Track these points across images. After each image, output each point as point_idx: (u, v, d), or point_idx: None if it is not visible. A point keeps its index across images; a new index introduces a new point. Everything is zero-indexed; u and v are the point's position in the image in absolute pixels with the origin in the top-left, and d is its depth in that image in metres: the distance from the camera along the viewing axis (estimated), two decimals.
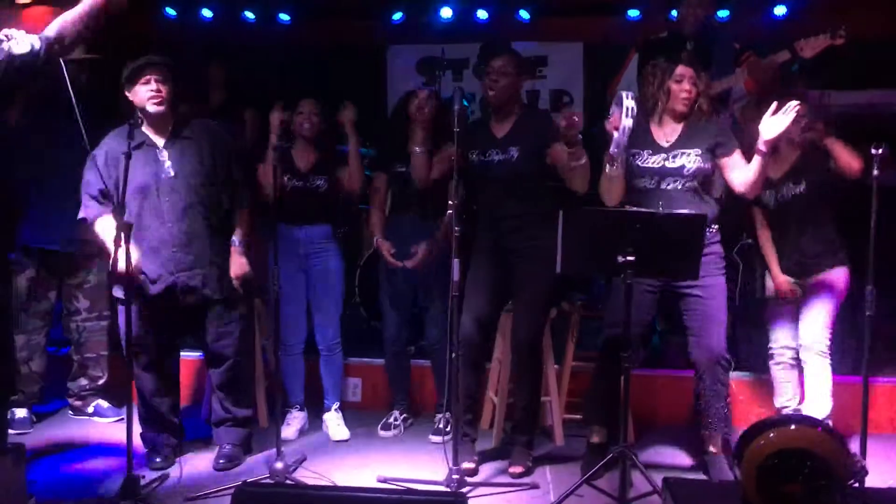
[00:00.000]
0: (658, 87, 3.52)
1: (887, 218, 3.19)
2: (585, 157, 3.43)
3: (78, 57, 3.91)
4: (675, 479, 2.40)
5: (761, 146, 3.34)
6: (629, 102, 3.21)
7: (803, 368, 3.88)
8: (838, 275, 3.82)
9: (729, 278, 3.67)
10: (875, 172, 3.10)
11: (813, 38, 3.75)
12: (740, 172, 3.47)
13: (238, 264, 3.67)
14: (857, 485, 2.16)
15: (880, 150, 3.11)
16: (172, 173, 3.52)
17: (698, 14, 4.34)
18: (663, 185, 3.49)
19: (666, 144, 3.53)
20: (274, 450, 3.51)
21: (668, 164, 3.49)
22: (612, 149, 3.36)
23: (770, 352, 4.01)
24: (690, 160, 3.47)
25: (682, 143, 3.51)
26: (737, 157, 3.50)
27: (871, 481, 2.83)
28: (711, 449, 3.56)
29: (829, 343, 3.79)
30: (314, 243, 4.11)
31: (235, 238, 3.69)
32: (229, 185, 3.68)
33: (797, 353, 3.92)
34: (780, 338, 3.97)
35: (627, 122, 3.22)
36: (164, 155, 3.54)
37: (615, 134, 3.30)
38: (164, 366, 3.72)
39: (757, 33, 5.36)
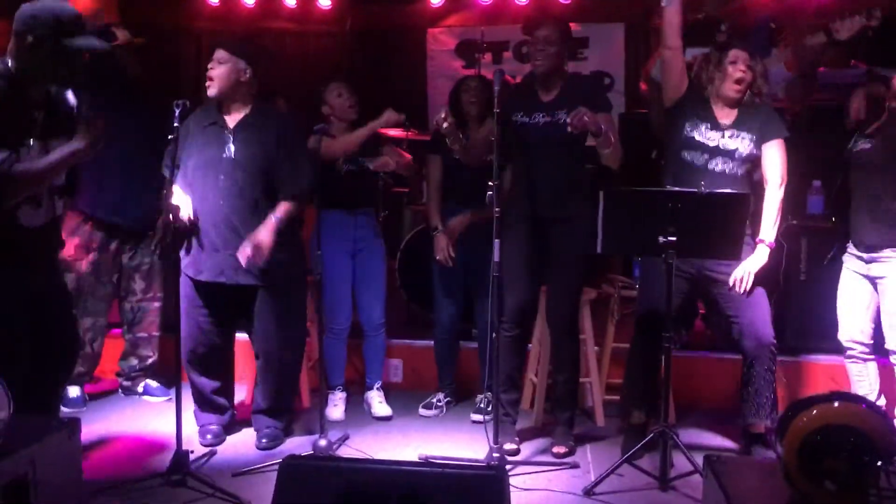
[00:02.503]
0: (714, 69, 3.50)
1: None
2: (612, 144, 3.43)
3: (124, 41, 3.99)
4: (718, 457, 2.41)
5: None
6: None
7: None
8: None
9: (774, 261, 3.62)
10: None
11: (849, 20, 3.70)
12: (767, 181, 3.48)
13: (259, 238, 3.47)
14: None
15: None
16: (233, 155, 3.57)
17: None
18: (711, 165, 3.48)
19: (725, 122, 3.51)
20: (318, 429, 3.57)
21: (723, 145, 3.47)
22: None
23: (842, 343, 3.78)
24: (745, 144, 3.46)
25: (738, 124, 3.49)
26: (775, 147, 3.47)
27: None
28: (756, 433, 3.54)
29: None
30: (362, 227, 4.16)
31: (274, 215, 3.58)
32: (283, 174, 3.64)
33: (868, 348, 3.70)
34: (849, 330, 3.73)
35: None
36: (231, 137, 3.59)
37: None
38: (216, 345, 3.75)
39: (793, 13, 5.29)
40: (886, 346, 3.60)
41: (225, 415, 3.87)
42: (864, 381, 3.71)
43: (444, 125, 3.58)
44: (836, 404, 2.07)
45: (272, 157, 3.59)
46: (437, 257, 4.10)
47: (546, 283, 3.75)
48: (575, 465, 3.57)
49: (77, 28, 2.79)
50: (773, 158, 3.49)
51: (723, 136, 3.48)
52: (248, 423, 3.90)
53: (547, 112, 3.59)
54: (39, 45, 2.73)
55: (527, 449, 3.77)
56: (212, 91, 3.58)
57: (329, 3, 6.50)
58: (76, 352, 3.27)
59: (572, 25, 6.25)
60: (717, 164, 3.48)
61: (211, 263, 3.59)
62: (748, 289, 3.44)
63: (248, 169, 3.56)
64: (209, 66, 3.60)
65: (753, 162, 3.52)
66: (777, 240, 3.98)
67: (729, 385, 4.07)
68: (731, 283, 3.44)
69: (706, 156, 3.48)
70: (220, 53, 3.58)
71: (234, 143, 3.58)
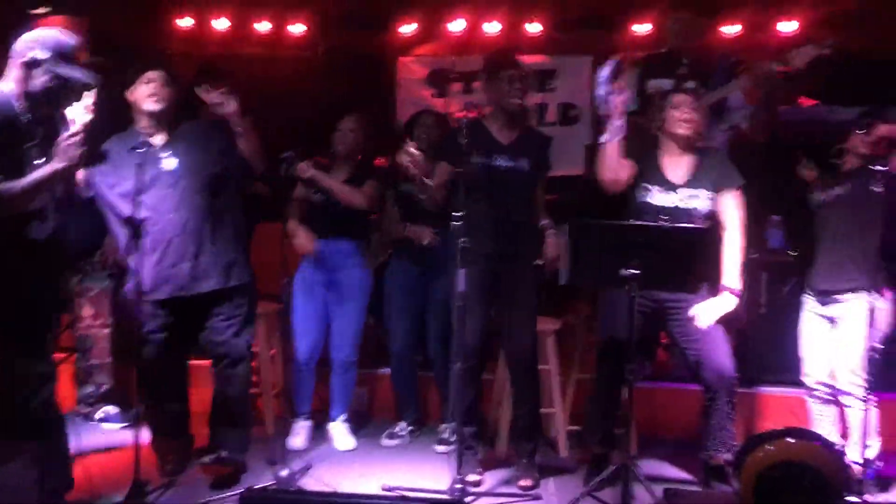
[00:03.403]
0: (659, 116, 3.57)
1: None
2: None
3: (91, 62, 3.97)
4: (676, 490, 2.43)
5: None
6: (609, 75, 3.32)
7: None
8: (869, 301, 3.44)
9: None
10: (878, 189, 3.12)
11: (802, 48, 3.81)
12: (724, 228, 3.53)
13: None
14: (853, 498, 2.18)
15: (885, 168, 3.13)
16: (173, 169, 3.54)
17: (685, 30, 4.40)
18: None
19: (678, 181, 3.54)
20: (279, 458, 3.53)
21: (681, 205, 3.52)
22: (608, 137, 3.42)
23: (804, 382, 3.78)
24: (702, 203, 3.51)
25: (695, 179, 3.53)
26: (731, 197, 3.53)
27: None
28: (716, 465, 3.53)
29: (866, 378, 3.43)
30: (338, 257, 4.14)
31: None
32: (229, 179, 3.66)
33: (831, 389, 3.68)
34: (813, 370, 3.74)
35: (622, 97, 3.31)
36: (165, 153, 3.56)
37: (615, 121, 3.38)
38: (173, 368, 3.71)
39: (754, 51, 5.44)
40: (837, 385, 3.64)
41: (183, 441, 3.81)
42: (825, 420, 3.73)
43: (414, 167, 3.54)
44: (791, 441, 2.11)
45: (212, 160, 3.60)
46: (425, 241, 4.11)
47: (501, 319, 3.76)
48: (537, 497, 3.57)
49: (71, 58, 3.01)
50: (731, 208, 3.54)
51: (678, 198, 3.52)
52: (207, 450, 3.84)
53: (509, 156, 3.66)
54: (37, 65, 2.95)
55: (490, 480, 3.76)
56: (161, 105, 3.55)
57: (301, 29, 6.51)
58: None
59: (541, 57, 6.48)
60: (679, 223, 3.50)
61: (167, 280, 3.54)
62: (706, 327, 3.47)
63: (191, 177, 3.56)
64: (152, 85, 3.55)
65: (711, 220, 3.55)
66: None
67: (691, 416, 4.08)
68: (690, 316, 3.48)
69: (668, 219, 3.47)
70: (163, 75, 3.57)
71: (171, 156, 3.56)
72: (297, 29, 6.50)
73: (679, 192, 3.52)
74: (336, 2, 6.33)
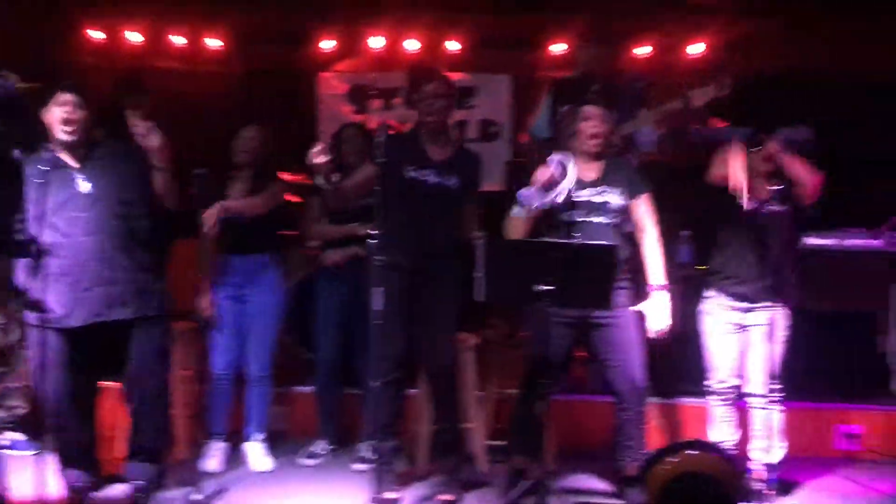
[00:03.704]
0: (570, 129, 3.65)
1: None
2: None
3: (21, 86, 3.85)
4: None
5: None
6: (570, 169, 3.42)
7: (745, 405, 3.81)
8: (783, 312, 3.70)
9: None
10: (787, 203, 3.24)
11: (703, 89, 3.99)
12: (640, 230, 3.68)
13: None
14: None
15: (780, 187, 3.27)
16: (88, 192, 3.46)
17: (594, 55, 4.54)
18: (590, 218, 3.60)
19: (589, 179, 3.65)
20: (193, 481, 3.46)
21: (595, 199, 3.60)
22: (535, 204, 3.49)
23: (711, 392, 3.88)
24: (615, 198, 3.61)
25: (604, 180, 3.64)
26: (643, 202, 3.66)
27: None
28: (628, 475, 3.61)
29: (777, 384, 3.66)
30: (251, 272, 4.09)
31: None
32: (145, 205, 3.59)
33: (735, 391, 3.82)
34: (723, 377, 3.83)
35: (565, 184, 3.39)
36: (80, 175, 3.47)
37: (548, 193, 3.46)
38: (82, 397, 3.60)
39: (659, 76, 5.65)
40: (745, 388, 3.78)
41: (91, 470, 3.69)
42: (728, 424, 3.85)
43: (317, 160, 3.53)
44: (693, 452, 2.17)
45: (128, 185, 3.52)
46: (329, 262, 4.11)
47: (422, 333, 3.77)
48: None
49: None
50: (645, 212, 3.68)
51: (593, 193, 3.62)
52: (117, 479, 3.74)
53: (438, 173, 3.68)
54: None
55: (408, 496, 3.76)
56: (74, 136, 3.45)
57: (219, 43, 6.43)
58: None
59: (461, 75, 6.55)
60: (594, 217, 3.60)
61: (81, 305, 3.44)
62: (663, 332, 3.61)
63: (106, 200, 3.47)
64: (66, 108, 3.45)
65: (623, 214, 3.67)
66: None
67: (608, 428, 4.17)
68: (609, 326, 3.57)
69: (584, 210, 3.59)
70: (77, 98, 3.47)
71: (85, 179, 3.47)
72: (213, 43, 6.41)
73: (592, 188, 3.62)
74: (253, 17, 6.27)
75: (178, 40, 6.42)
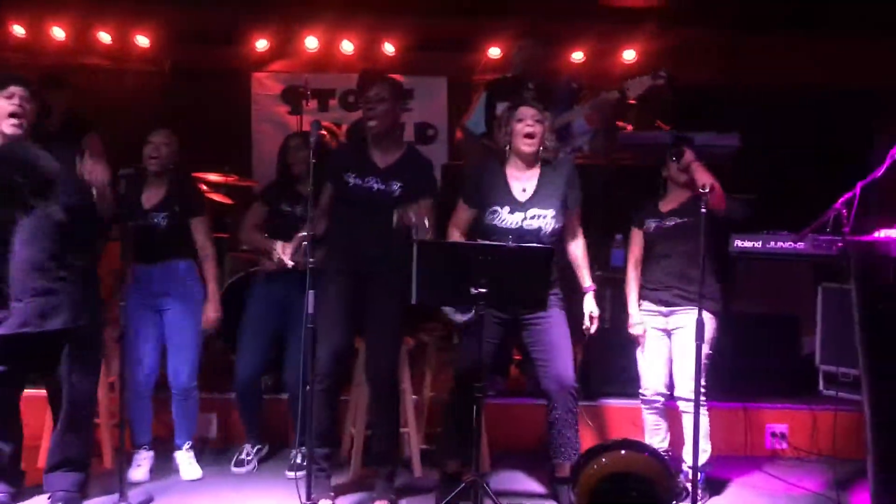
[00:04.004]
0: (505, 130, 3.65)
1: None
2: (427, 230, 3.48)
3: None
4: None
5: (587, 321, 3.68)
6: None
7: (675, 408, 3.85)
8: (707, 317, 3.65)
9: (579, 309, 3.80)
10: (703, 210, 3.31)
11: (638, 79, 4.04)
12: (571, 237, 3.74)
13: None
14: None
15: (707, 189, 3.33)
16: None
17: (531, 56, 4.57)
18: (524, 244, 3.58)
19: (524, 198, 3.62)
20: (117, 493, 3.35)
21: (526, 226, 3.60)
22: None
23: (641, 396, 3.92)
24: (547, 222, 3.60)
25: (540, 197, 3.60)
26: (576, 213, 3.70)
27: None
28: (560, 476, 3.63)
29: (703, 388, 3.64)
30: (168, 281, 3.98)
31: None
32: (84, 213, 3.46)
33: (665, 398, 3.86)
34: (652, 383, 3.87)
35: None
36: None
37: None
38: (7, 405, 3.48)
39: (593, 76, 5.76)
40: (676, 392, 3.82)
41: (15, 482, 3.55)
42: (660, 430, 3.90)
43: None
44: (622, 452, 2.18)
45: (68, 195, 3.38)
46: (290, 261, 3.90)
47: (365, 338, 3.74)
48: None
49: None
50: (576, 222, 3.71)
51: (524, 218, 3.61)
52: (38, 489, 3.60)
53: (382, 179, 3.63)
54: None
55: (342, 503, 3.71)
56: (20, 130, 3.31)
57: (147, 41, 6.27)
58: None
59: (398, 77, 6.50)
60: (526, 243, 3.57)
61: (15, 314, 3.30)
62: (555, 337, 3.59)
63: (46, 210, 3.33)
64: (14, 99, 3.31)
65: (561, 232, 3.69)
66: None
67: (543, 430, 4.19)
68: (540, 326, 3.59)
69: (514, 237, 3.53)
70: (26, 90, 3.34)
71: None
72: (142, 41, 6.25)
73: (525, 211, 3.61)
74: (183, 15, 6.14)
75: (105, 37, 6.23)
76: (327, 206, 3.73)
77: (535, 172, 3.67)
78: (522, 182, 3.66)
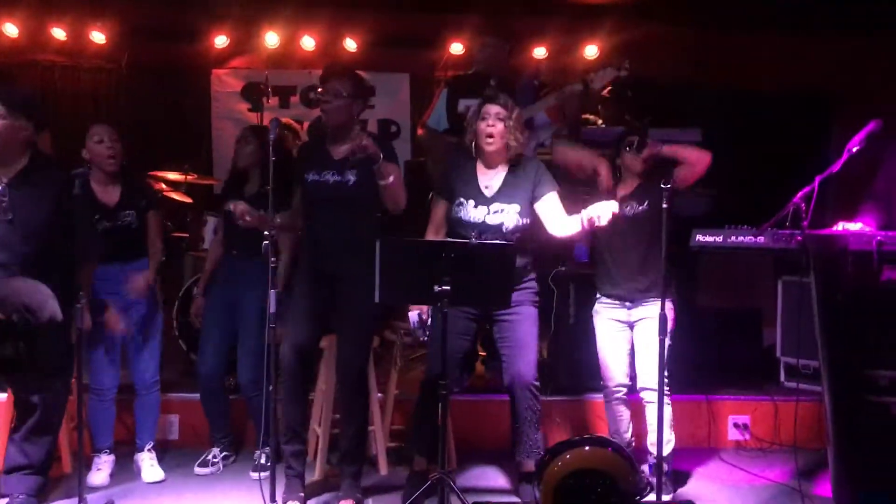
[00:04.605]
0: (471, 129, 3.64)
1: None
2: (392, 176, 3.43)
3: None
4: (484, 503, 2.47)
5: (585, 223, 3.39)
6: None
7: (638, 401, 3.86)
8: (669, 307, 3.65)
9: (545, 305, 3.80)
10: (665, 205, 3.33)
11: (602, 71, 4.04)
12: (555, 219, 3.59)
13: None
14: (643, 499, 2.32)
15: (669, 185, 3.35)
16: (9, 217, 3.29)
17: (494, 54, 4.57)
18: (483, 238, 3.56)
19: (489, 193, 3.61)
20: (76, 498, 3.28)
21: (489, 220, 3.58)
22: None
23: (605, 390, 3.92)
24: (510, 218, 3.57)
25: (504, 194, 3.58)
26: (551, 199, 3.62)
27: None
28: (524, 472, 3.64)
29: (666, 379, 3.63)
30: (127, 281, 3.89)
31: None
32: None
33: (628, 389, 3.87)
34: (615, 375, 3.87)
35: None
36: (6, 195, 3.29)
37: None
38: None
39: (556, 72, 5.78)
40: (639, 384, 3.84)
41: None
42: (624, 420, 3.93)
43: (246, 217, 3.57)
44: (586, 448, 2.18)
45: (51, 219, 3.34)
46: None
47: (336, 337, 3.70)
48: None
49: None
50: (555, 206, 3.61)
51: (487, 213, 3.60)
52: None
53: (337, 171, 3.58)
54: None
55: (310, 503, 3.68)
56: None
57: (103, 37, 6.14)
58: None
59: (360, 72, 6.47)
60: (488, 238, 3.55)
61: None
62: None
63: (21, 229, 3.30)
64: None
65: (525, 230, 3.64)
66: (548, 286, 4.18)
67: (508, 426, 4.20)
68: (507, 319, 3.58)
69: (477, 231, 3.55)
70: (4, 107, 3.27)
71: (9, 201, 3.30)
72: (98, 37, 6.12)
73: (490, 206, 3.60)
74: (139, 11, 6.02)
75: (60, 33, 6.09)
76: (299, 206, 3.69)
77: (503, 170, 3.65)
78: (488, 178, 3.65)
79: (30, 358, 3.35)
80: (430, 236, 3.70)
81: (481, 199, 3.61)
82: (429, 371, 3.71)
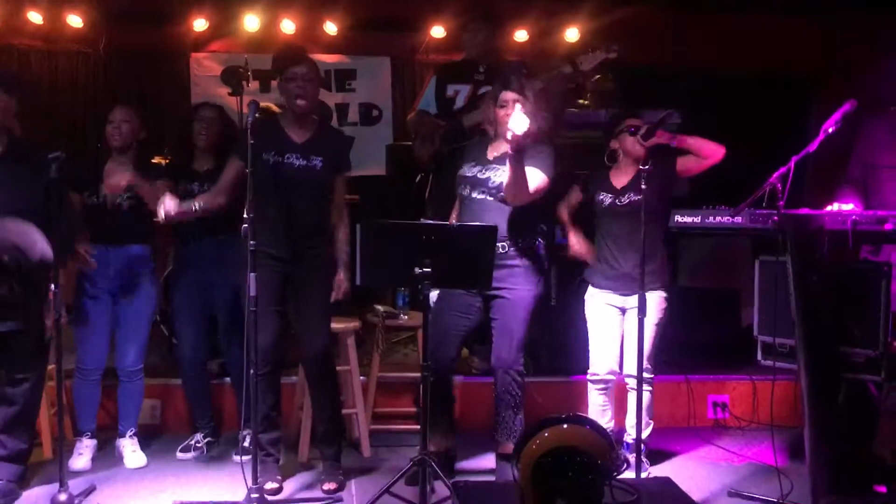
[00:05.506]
0: (490, 115, 3.64)
1: None
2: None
3: None
4: (463, 483, 2.50)
5: (510, 148, 3.27)
6: None
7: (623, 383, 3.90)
8: (659, 297, 3.79)
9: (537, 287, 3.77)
10: (643, 186, 3.35)
11: (591, 53, 4.04)
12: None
13: None
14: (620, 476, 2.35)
15: (648, 167, 3.37)
16: None
17: (484, 39, 4.56)
18: (474, 195, 3.61)
19: (490, 159, 3.65)
20: (58, 483, 3.28)
21: (480, 175, 3.61)
22: None
23: (592, 376, 3.93)
24: (497, 174, 3.58)
25: (502, 159, 3.58)
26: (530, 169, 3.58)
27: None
28: (502, 453, 3.65)
29: (651, 368, 3.78)
30: (124, 263, 3.89)
31: None
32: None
33: (615, 375, 3.89)
34: (604, 364, 3.89)
35: None
36: None
37: None
38: None
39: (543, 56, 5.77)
40: (626, 369, 3.87)
41: None
42: (607, 411, 3.95)
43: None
44: (564, 427, 2.21)
45: (34, 202, 3.32)
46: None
47: (296, 321, 3.67)
48: (338, 500, 3.54)
49: None
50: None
51: (480, 170, 3.63)
52: None
53: (302, 155, 3.57)
54: None
55: (291, 486, 3.70)
56: None
57: (80, 21, 6.07)
58: None
59: (340, 57, 6.44)
60: (478, 194, 3.60)
61: None
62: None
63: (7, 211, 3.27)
64: None
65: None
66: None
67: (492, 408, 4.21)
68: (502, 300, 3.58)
69: (468, 187, 3.61)
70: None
71: None
72: (74, 21, 6.05)
73: (483, 165, 3.63)
74: None
75: (36, 17, 6.02)
76: (231, 183, 3.62)
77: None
78: (497, 150, 3.66)
79: (23, 298, 3.34)
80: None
81: (483, 163, 3.65)
82: (430, 351, 3.68)
